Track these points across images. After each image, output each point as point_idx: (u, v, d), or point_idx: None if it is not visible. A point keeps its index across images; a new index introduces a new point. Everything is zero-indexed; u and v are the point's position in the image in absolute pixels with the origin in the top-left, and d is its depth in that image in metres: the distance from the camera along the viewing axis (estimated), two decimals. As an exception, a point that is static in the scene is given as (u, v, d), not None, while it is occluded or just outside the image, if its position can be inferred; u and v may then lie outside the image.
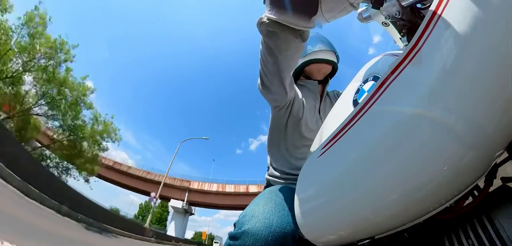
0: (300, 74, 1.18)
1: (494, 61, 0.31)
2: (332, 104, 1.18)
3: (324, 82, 1.18)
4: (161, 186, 18.77)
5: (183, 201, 27.68)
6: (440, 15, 0.36)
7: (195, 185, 28.83)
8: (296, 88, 1.04)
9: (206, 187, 29.16)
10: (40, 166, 8.91)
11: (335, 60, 1.13)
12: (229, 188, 29.35)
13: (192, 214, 30.52)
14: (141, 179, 28.04)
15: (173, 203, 27.53)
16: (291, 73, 0.80)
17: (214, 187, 29.25)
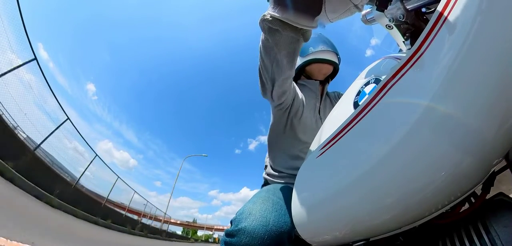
0: (301, 73, 1.17)
1: (495, 70, 0.30)
2: (332, 105, 1.18)
3: (324, 82, 1.18)
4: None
5: (212, 231, 65.22)
6: (444, 21, 0.35)
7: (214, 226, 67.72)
8: (297, 88, 1.03)
9: (219, 227, 65.89)
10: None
11: (336, 61, 1.12)
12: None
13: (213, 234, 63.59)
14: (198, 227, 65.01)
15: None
16: (291, 73, 0.80)
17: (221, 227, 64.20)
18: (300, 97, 1.03)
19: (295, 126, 1.01)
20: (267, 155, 1.17)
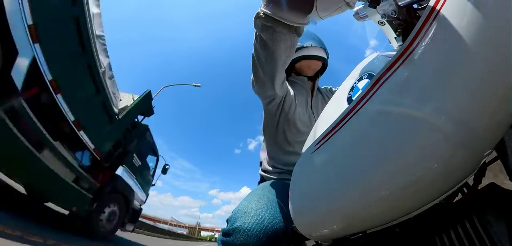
0: (291, 71, 1.18)
1: (485, 63, 0.31)
2: (324, 100, 1.19)
3: (314, 78, 1.19)
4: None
5: (213, 232, 58.63)
6: (435, 16, 0.36)
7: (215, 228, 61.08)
8: (287, 84, 1.04)
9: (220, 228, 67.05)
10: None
11: (325, 57, 1.13)
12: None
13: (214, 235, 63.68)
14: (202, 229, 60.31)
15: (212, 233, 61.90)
16: (284, 69, 0.80)
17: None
18: (292, 93, 1.03)
19: (289, 122, 1.02)
20: (261, 151, 1.18)
